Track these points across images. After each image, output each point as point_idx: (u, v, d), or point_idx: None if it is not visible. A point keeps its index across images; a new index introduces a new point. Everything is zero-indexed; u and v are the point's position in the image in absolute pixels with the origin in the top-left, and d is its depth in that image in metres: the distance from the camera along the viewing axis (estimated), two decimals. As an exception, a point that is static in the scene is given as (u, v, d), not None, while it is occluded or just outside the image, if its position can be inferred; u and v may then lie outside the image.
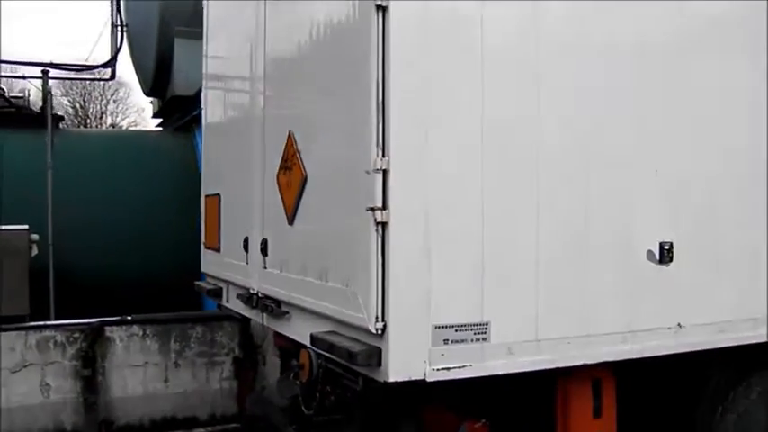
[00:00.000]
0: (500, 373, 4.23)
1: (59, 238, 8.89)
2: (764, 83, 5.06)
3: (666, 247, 4.69)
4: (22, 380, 7.74)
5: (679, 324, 4.77)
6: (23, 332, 7.74)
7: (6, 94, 8.87)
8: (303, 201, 4.82)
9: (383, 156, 3.94)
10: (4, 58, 9.43)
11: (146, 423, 8.15)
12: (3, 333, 7.48)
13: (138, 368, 8.18)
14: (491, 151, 4.16)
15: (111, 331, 8.04)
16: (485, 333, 4.15)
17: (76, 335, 7.91)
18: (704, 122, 4.88)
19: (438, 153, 4.03)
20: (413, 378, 4.00)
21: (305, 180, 4.77)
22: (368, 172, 3.96)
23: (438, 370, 4.04)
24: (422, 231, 3.97)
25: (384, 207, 3.94)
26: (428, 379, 4.02)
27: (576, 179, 4.41)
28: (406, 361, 3.98)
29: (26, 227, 7.76)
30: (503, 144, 4.21)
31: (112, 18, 9.12)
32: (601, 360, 4.51)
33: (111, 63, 9.20)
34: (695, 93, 4.83)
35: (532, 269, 4.26)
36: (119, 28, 9.06)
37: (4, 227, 7.69)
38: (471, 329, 4.12)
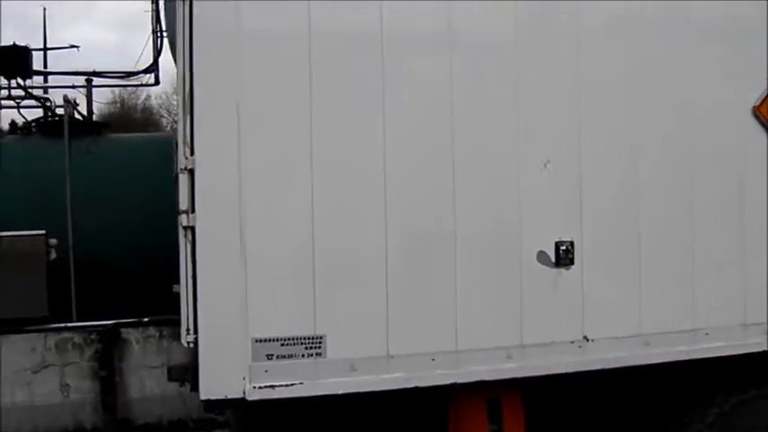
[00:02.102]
0: (340, 392, 3.79)
1: (102, 241, 9.13)
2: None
3: (564, 248, 4.03)
4: (42, 380, 7.99)
5: (585, 337, 4.08)
6: (43, 334, 7.98)
7: (52, 104, 9.25)
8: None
9: (191, 154, 3.63)
10: (49, 69, 9.78)
11: (164, 423, 8.20)
12: (23, 335, 7.77)
13: (155, 369, 8.23)
14: (324, 147, 3.73)
15: (126, 333, 8.14)
16: (319, 348, 3.73)
17: (93, 336, 8.08)
18: (614, 108, 4.15)
19: (255, 153, 3.65)
20: (229, 396, 3.67)
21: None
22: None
23: (261, 388, 3.68)
24: (236, 236, 3.63)
25: (192, 210, 3.62)
26: (248, 398, 3.67)
27: (436, 172, 3.88)
28: (221, 377, 3.65)
29: (43, 232, 8.02)
30: (339, 137, 3.76)
31: (152, 23, 9.29)
32: (475, 379, 3.94)
33: (153, 68, 9.37)
34: (597, 80, 4.12)
35: (380, 276, 3.79)
36: (158, 33, 9.22)
37: (22, 232, 8.00)
38: (302, 344, 3.72)
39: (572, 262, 4.05)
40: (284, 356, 3.70)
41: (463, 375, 3.91)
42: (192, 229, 3.63)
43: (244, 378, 3.66)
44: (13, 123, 9.87)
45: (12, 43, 8.67)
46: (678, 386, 4.59)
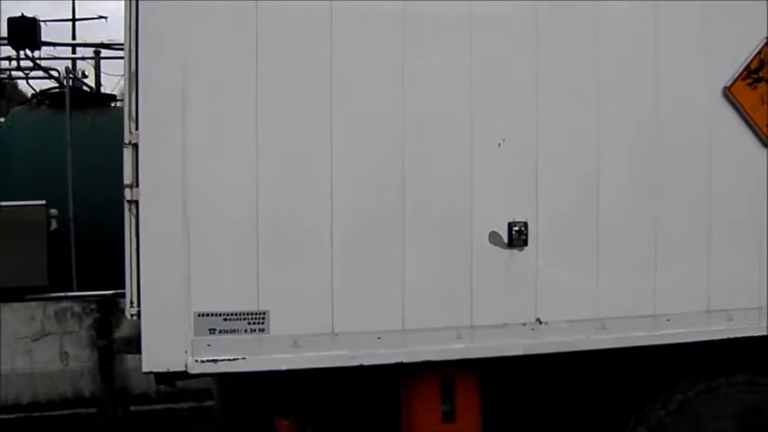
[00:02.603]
0: (283, 368, 3.80)
1: (103, 212, 9.22)
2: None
3: (517, 229, 3.97)
4: (42, 348, 8.14)
5: (539, 320, 4.03)
6: (42, 303, 8.12)
7: (60, 75, 9.34)
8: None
9: (136, 128, 3.63)
10: (59, 40, 9.88)
11: (161, 393, 8.31)
12: (24, 303, 7.90)
13: (153, 340, 8.31)
14: (269, 122, 3.71)
15: (124, 303, 8.22)
16: (262, 323, 3.74)
17: (92, 306, 8.19)
18: (573, 88, 4.07)
19: (199, 127, 3.65)
20: (171, 370, 3.70)
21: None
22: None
23: (203, 362, 3.71)
24: (179, 210, 3.63)
25: (136, 184, 3.63)
26: (191, 371, 3.70)
27: (384, 147, 3.83)
28: (163, 351, 3.67)
29: (44, 202, 8.14)
30: (284, 111, 3.74)
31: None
32: (422, 359, 3.91)
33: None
34: (556, 59, 4.03)
35: (326, 251, 3.77)
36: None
37: (22, 202, 8.12)
38: (245, 319, 3.73)
39: (525, 243, 3.98)
40: (227, 331, 3.70)
41: (410, 355, 3.89)
42: (136, 203, 3.63)
43: (186, 352, 3.68)
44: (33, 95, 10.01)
45: (20, 14, 8.76)
46: (644, 372, 4.51)
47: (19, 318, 8.03)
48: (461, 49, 3.88)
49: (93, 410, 8.11)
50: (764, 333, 4.39)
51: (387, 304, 3.84)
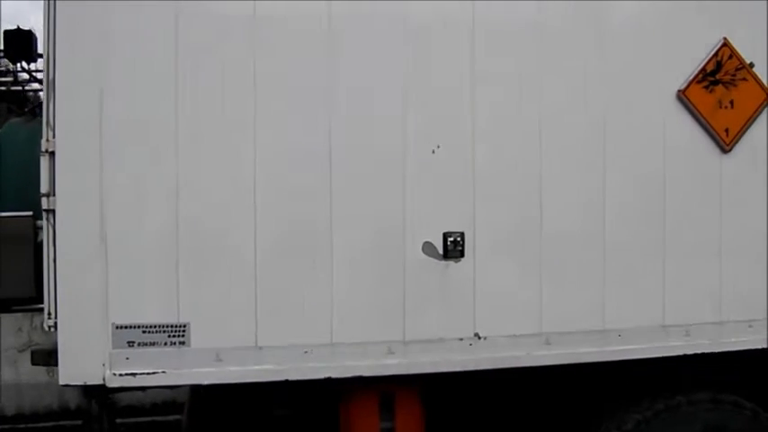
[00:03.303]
0: (205, 382, 3.68)
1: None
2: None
3: (452, 239, 3.81)
4: (29, 359, 8.09)
5: (477, 335, 3.86)
6: (29, 314, 8.10)
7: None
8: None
9: (53, 136, 3.55)
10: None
11: (146, 406, 8.26)
12: (10, 314, 7.90)
13: (139, 353, 8.25)
14: (190, 130, 3.60)
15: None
16: (183, 336, 3.62)
17: (79, 318, 8.14)
18: (513, 93, 3.90)
19: (117, 136, 3.55)
20: (89, 383, 3.61)
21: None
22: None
23: (122, 375, 3.60)
24: (96, 220, 3.54)
25: (53, 193, 3.55)
26: (108, 384, 3.61)
27: (311, 155, 3.71)
28: (81, 363, 3.58)
29: (31, 213, 8.13)
30: (206, 120, 3.63)
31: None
32: (351, 375, 3.76)
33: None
34: (494, 63, 3.88)
35: (249, 263, 3.65)
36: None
37: (8, 213, 8.12)
38: (165, 331, 3.62)
39: (462, 254, 3.82)
40: (146, 344, 3.60)
41: (339, 370, 3.74)
42: (53, 212, 3.55)
43: (104, 365, 3.58)
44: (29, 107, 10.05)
45: (16, 27, 8.80)
46: (602, 389, 4.30)
47: (5, 329, 8.03)
48: (392, 53, 3.74)
49: (79, 422, 8.04)
50: (724, 349, 4.15)
51: (314, 317, 3.70)
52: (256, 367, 3.67)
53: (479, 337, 3.86)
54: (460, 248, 3.80)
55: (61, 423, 7.98)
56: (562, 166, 3.93)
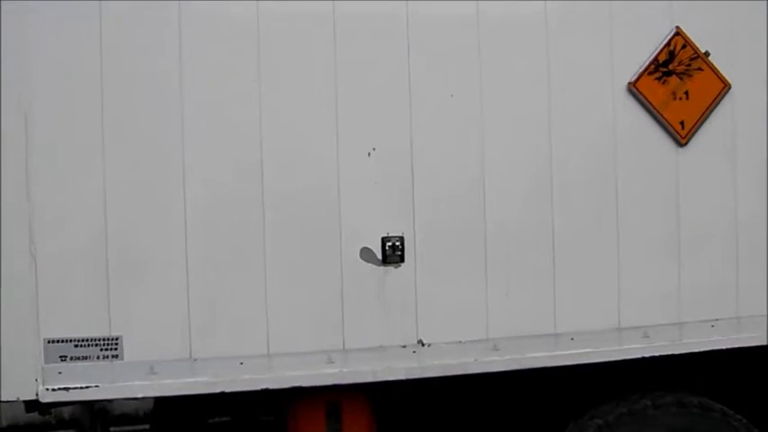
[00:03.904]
0: (140, 395, 3.62)
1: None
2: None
3: (391, 244, 3.70)
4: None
5: (421, 341, 3.75)
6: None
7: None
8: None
9: (-21, 154, 3.51)
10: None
11: (140, 414, 8.25)
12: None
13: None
14: (117, 139, 3.53)
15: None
16: (115, 349, 3.56)
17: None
18: (452, 89, 3.78)
19: (43, 144, 3.49)
20: (23, 398, 3.56)
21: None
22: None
23: (55, 390, 3.54)
24: (25, 231, 3.49)
25: (-22, 203, 3.51)
26: (42, 399, 3.55)
27: (241, 160, 3.61)
28: (14, 379, 3.53)
29: None
30: (133, 127, 3.56)
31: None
32: (289, 385, 3.67)
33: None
34: (430, 60, 3.76)
35: (180, 274, 3.57)
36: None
37: None
38: (97, 345, 3.56)
39: (402, 259, 3.71)
40: (79, 358, 3.54)
41: (276, 381, 3.65)
42: (-20, 224, 3.51)
43: (36, 380, 3.52)
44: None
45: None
46: (567, 392, 4.17)
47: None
48: (325, 50, 3.63)
49: (73, 432, 8.07)
50: (685, 351, 3.99)
51: (249, 328, 3.62)
52: (191, 380, 3.59)
53: (423, 344, 3.74)
54: (399, 253, 3.70)
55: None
56: (506, 165, 3.81)
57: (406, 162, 3.71)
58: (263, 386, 3.65)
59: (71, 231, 3.53)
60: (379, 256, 3.69)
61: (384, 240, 3.69)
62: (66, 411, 8.26)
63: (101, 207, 3.52)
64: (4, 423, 7.96)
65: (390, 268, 3.71)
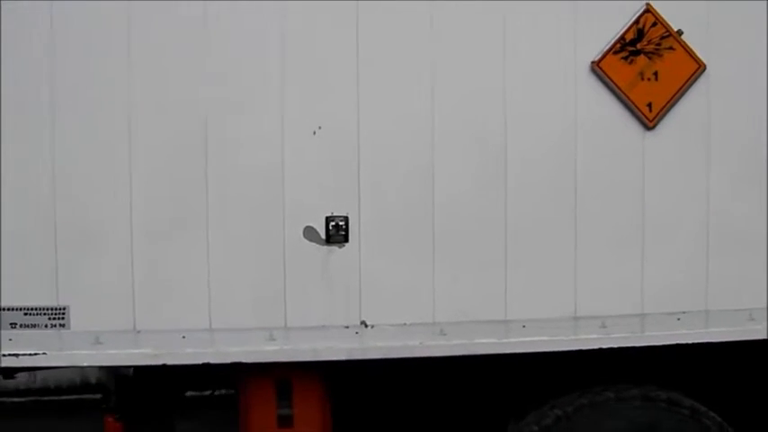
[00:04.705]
0: (85, 364, 3.72)
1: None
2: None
3: (335, 224, 3.67)
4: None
5: (364, 323, 3.72)
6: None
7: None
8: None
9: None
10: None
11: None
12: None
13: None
14: (67, 112, 3.60)
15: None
16: (63, 319, 3.66)
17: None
18: (401, 67, 3.70)
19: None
20: (-21, 363, 3.69)
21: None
22: None
23: (6, 356, 3.67)
24: (-22, 206, 3.61)
25: (-63, 177, 3.65)
26: (-6, 364, 3.68)
27: (185, 134, 3.62)
28: (-27, 343, 3.67)
29: None
30: (82, 100, 3.61)
31: None
32: (230, 361, 3.70)
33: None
34: (380, 37, 3.69)
35: (125, 246, 3.63)
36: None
37: None
38: (45, 314, 3.66)
39: (346, 239, 3.67)
40: (28, 326, 3.65)
41: (217, 356, 3.68)
42: (-62, 196, 3.64)
43: (-9, 345, 3.65)
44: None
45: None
46: (535, 379, 4.08)
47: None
48: (269, 25, 3.60)
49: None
50: (647, 344, 3.84)
51: (192, 302, 3.65)
52: (135, 351, 3.66)
53: (366, 326, 3.71)
54: (344, 233, 3.66)
55: (83, 396, 8.26)
56: (457, 146, 3.71)
57: (353, 141, 3.66)
58: (205, 360, 3.69)
59: (21, 204, 3.61)
60: (323, 236, 3.66)
61: (328, 220, 3.66)
62: (92, 376, 8.56)
63: (49, 176, 3.59)
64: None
65: (334, 248, 3.67)
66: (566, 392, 4.01)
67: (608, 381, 4.00)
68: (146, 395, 4.25)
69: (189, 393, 4.41)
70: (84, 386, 8.28)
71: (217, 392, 4.42)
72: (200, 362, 3.69)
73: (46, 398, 8.23)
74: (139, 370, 4.02)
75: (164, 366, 3.71)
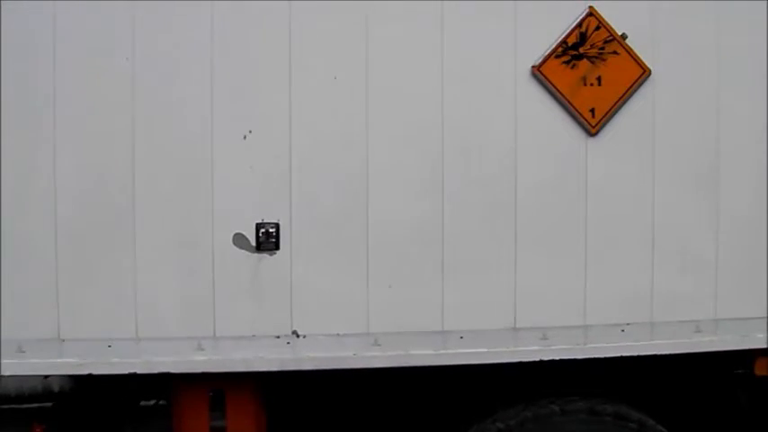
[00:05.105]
0: (7, 373, 3.60)
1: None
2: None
3: (265, 230, 3.57)
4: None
5: (296, 332, 3.61)
6: None
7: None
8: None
9: None
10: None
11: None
12: None
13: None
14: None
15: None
16: (-14, 327, 3.55)
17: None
18: (332, 69, 3.61)
19: None
20: None
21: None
22: None
23: (-73, 365, 3.57)
24: None
25: None
26: None
27: (110, 134, 3.52)
28: None
29: None
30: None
31: None
32: (158, 371, 3.59)
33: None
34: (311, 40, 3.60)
35: (50, 252, 3.52)
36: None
37: None
38: (-31, 322, 3.55)
39: (276, 246, 3.57)
40: (-46, 334, 3.54)
41: (144, 366, 3.57)
42: None
43: None
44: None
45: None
46: (479, 390, 3.98)
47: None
48: (201, 28, 3.50)
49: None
50: (589, 356, 3.73)
51: (118, 310, 3.55)
52: (59, 360, 3.55)
53: (298, 335, 3.60)
54: (274, 240, 3.56)
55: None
56: (392, 151, 3.61)
57: (285, 146, 3.55)
58: (132, 370, 3.58)
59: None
60: (253, 243, 3.56)
61: (258, 226, 3.55)
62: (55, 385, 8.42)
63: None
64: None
65: (265, 255, 3.57)
66: (511, 405, 3.90)
67: (555, 393, 3.89)
68: (88, 405, 4.15)
69: (143, 403, 4.30)
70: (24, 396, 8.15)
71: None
72: (126, 372, 3.59)
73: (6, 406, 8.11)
74: (79, 379, 3.92)
75: (101, 376, 3.60)
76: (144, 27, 3.49)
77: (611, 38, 3.66)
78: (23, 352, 3.54)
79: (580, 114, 3.65)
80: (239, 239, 3.56)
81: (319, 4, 3.55)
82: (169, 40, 3.51)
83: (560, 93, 3.64)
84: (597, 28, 3.65)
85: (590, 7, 3.65)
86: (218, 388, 3.80)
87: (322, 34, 3.55)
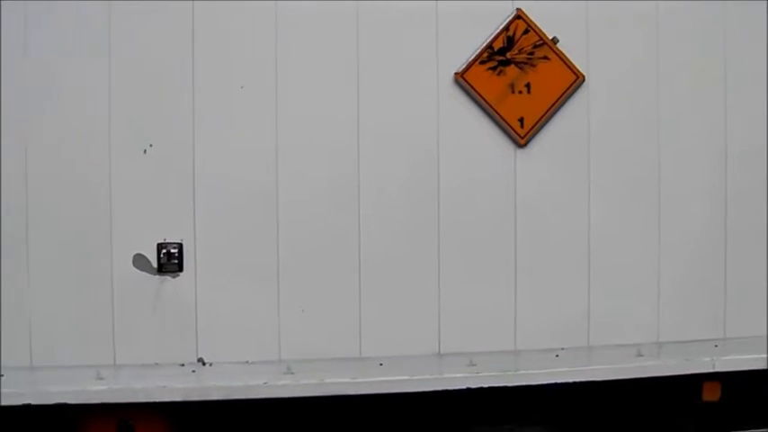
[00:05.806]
0: None
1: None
2: None
3: (167, 251, 3.32)
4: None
5: (202, 360, 3.36)
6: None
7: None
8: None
9: None
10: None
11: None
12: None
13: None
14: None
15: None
16: None
17: None
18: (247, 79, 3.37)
19: None
20: None
21: None
22: None
23: None
24: None
25: None
26: None
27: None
28: None
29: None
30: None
31: None
32: (53, 402, 3.34)
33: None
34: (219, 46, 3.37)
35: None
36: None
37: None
38: None
39: (180, 268, 3.32)
40: None
41: (39, 396, 3.33)
42: None
43: None
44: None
45: None
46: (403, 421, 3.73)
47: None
48: (96, 35, 3.26)
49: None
50: (520, 383, 3.47)
51: (9, 338, 3.30)
52: (-9, 390, 3.31)
53: (204, 363, 3.35)
54: (177, 261, 3.31)
55: None
56: (303, 165, 3.36)
57: (188, 161, 3.31)
58: (24, 402, 3.33)
59: None
60: (155, 264, 3.31)
61: (160, 247, 3.31)
62: None
63: None
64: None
65: (167, 277, 3.33)
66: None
67: (486, 421, 3.65)
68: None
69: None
70: None
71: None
72: (19, 403, 3.34)
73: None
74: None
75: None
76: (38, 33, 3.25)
77: (541, 42, 3.40)
78: None
79: (507, 124, 3.40)
80: (140, 261, 3.31)
81: (225, 6, 3.29)
82: (61, 47, 3.26)
83: (486, 101, 3.39)
84: (526, 31, 3.40)
85: (518, 9, 3.39)
86: (126, 419, 3.54)
87: (226, 40, 3.31)
